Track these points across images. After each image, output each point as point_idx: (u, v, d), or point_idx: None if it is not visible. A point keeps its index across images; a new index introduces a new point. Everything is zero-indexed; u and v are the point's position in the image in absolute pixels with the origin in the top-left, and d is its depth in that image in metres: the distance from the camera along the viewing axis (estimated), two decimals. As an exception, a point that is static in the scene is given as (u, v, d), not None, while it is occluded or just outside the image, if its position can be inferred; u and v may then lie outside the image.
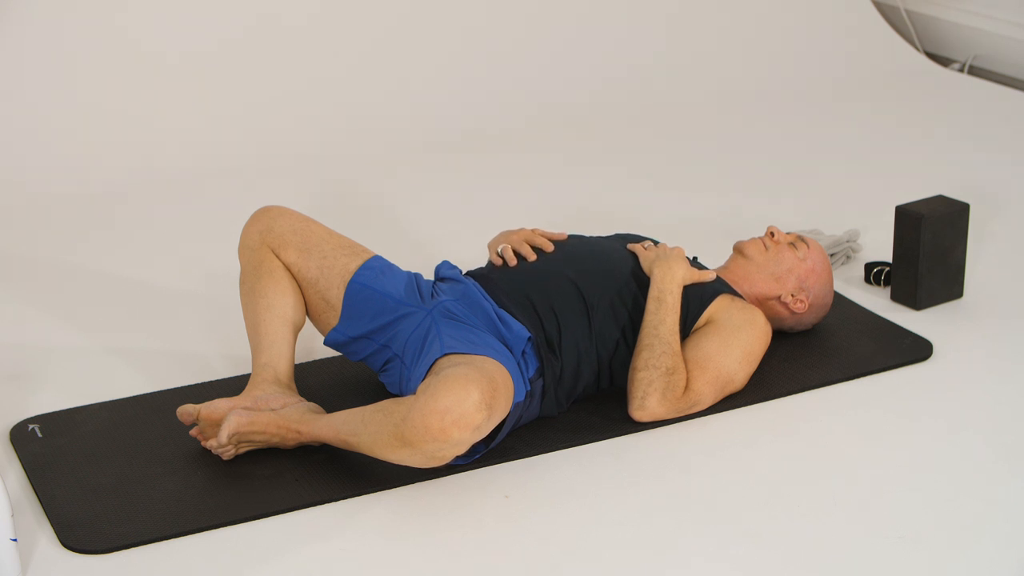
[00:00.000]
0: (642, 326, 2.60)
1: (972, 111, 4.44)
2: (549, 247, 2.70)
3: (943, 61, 4.97)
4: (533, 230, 2.75)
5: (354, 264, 2.65)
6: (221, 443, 2.43)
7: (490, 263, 2.74)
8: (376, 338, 2.60)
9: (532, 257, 2.68)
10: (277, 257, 2.66)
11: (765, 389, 2.69)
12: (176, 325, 3.04)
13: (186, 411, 2.50)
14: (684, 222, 3.50)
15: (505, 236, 2.75)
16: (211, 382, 2.76)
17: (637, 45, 4.66)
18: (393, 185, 3.86)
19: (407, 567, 2.24)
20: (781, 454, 2.52)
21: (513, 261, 2.68)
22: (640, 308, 2.64)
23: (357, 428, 2.38)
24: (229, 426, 2.43)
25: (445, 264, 2.72)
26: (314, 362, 2.83)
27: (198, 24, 4.21)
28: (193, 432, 2.51)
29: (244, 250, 2.69)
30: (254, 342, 2.64)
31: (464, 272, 2.72)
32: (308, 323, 2.85)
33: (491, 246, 2.77)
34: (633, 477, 2.45)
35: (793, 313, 2.81)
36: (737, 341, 2.63)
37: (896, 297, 3.07)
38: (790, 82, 4.66)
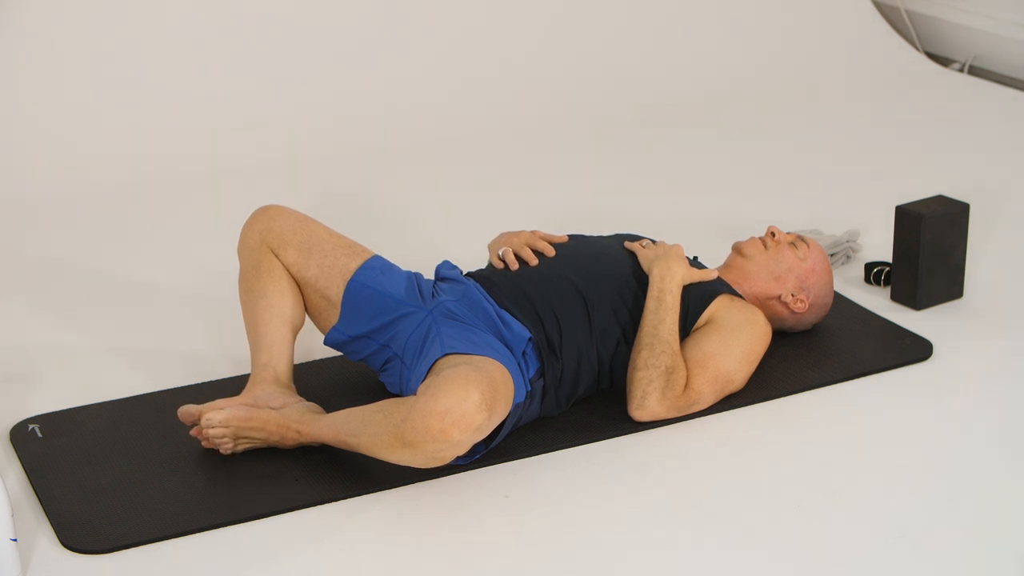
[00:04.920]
0: (641, 325, 2.60)
1: (972, 111, 4.43)
2: (551, 251, 2.69)
3: (943, 61, 4.97)
4: (533, 232, 2.74)
5: (354, 264, 2.65)
6: (208, 424, 2.44)
7: (490, 265, 2.74)
8: (376, 338, 2.60)
9: (534, 261, 2.68)
10: (277, 257, 2.66)
11: (765, 389, 2.69)
12: (176, 325, 3.04)
13: (187, 411, 2.50)
14: (684, 222, 3.50)
15: (506, 238, 2.75)
16: (211, 382, 2.76)
17: (636, 45, 4.66)
18: (393, 185, 3.86)
19: (407, 567, 2.24)
20: (781, 454, 2.52)
21: (514, 265, 2.67)
22: (641, 307, 2.64)
23: (357, 429, 2.38)
24: (221, 414, 2.44)
25: (445, 264, 2.71)
26: (314, 362, 2.83)
27: (198, 23, 4.21)
28: (193, 432, 2.51)
29: (244, 250, 2.69)
30: (253, 342, 2.64)
31: (464, 273, 2.71)
32: (308, 323, 2.85)
33: (492, 247, 2.77)
34: (633, 477, 2.45)
35: (793, 313, 2.81)
36: (737, 341, 2.63)
37: (896, 297, 3.07)
38: (790, 82, 4.66)
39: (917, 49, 5.00)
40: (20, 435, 2.59)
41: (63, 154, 3.90)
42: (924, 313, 3.03)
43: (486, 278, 2.65)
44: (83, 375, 2.83)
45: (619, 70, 4.57)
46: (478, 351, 2.42)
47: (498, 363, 2.39)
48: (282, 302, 2.64)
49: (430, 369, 2.41)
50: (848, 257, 3.28)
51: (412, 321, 2.57)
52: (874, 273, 3.15)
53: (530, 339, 2.53)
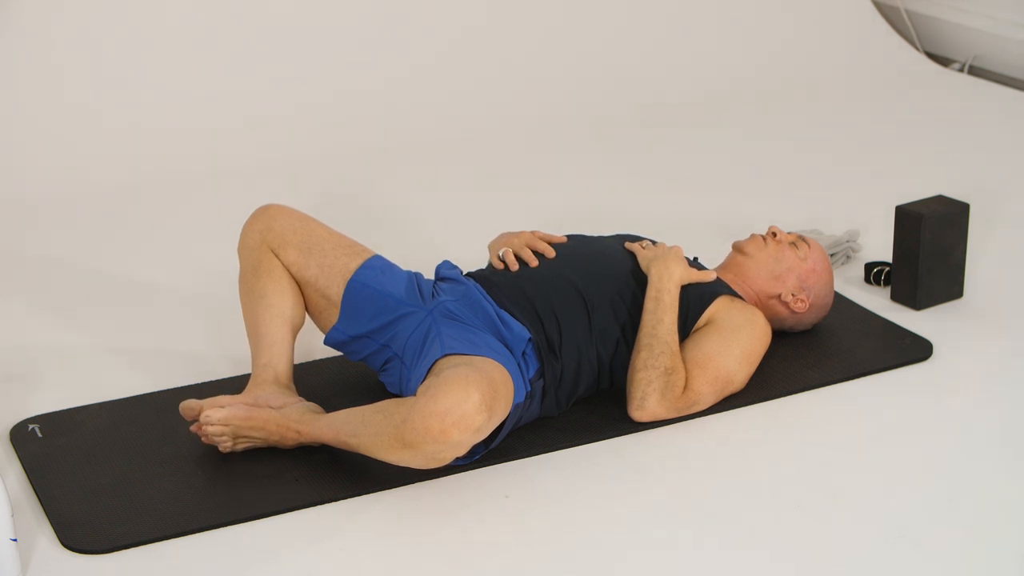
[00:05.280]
0: (640, 326, 2.60)
1: (972, 111, 4.43)
2: (550, 252, 2.69)
3: (943, 61, 4.97)
4: (533, 232, 2.74)
5: (354, 263, 2.65)
6: (207, 421, 2.44)
7: (490, 265, 2.74)
8: (376, 337, 2.60)
9: (534, 262, 2.68)
10: (277, 257, 2.66)
11: (765, 389, 2.69)
12: (176, 325, 3.04)
13: (189, 406, 2.50)
14: (684, 222, 3.50)
15: (506, 239, 2.75)
16: (211, 382, 2.76)
17: (637, 45, 4.66)
18: (393, 185, 3.86)
19: (407, 567, 2.24)
20: (781, 454, 2.52)
21: (515, 266, 2.67)
22: (640, 307, 2.64)
23: (357, 429, 2.38)
24: (221, 412, 2.44)
25: (445, 264, 2.72)
26: (314, 362, 2.83)
27: (198, 23, 4.21)
28: (193, 428, 2.51)
29: (244, 249, 2.69)
30: (253, 342, 2.64)
31: (464, 273, 2.71)
32: (308, 323, 2.85)
33: (492, 248, 2.77)
34: (633, 477, 2.45)
35: (793, 313, 2.81)
36: (737, 341, 2.62)
37: (896, 297, 3.07)
38: (790, 82, 4.66)
39: (917, 49, 5.00)
40: (20, 435, 2.59)
41: (63, 154, 3.90)
42: (924, 313, 3.03)
43: (486, 278, 2.65)
44: (83, 375, 2.83)
45: (619, 70, 4.57)
46: (478, 351, 2.42)
47: (498, 363, 2.39)
48: (282, 302, 2.64)
49: (430, 369, 2.41)
50: (848, 257, 3.28)
51: (412, 321, 2.57)
52: (874, 273, 3.15)
53: (530, 339, 2.53)
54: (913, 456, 2.51)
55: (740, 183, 3.84)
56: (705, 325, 2.66)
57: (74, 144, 3.93)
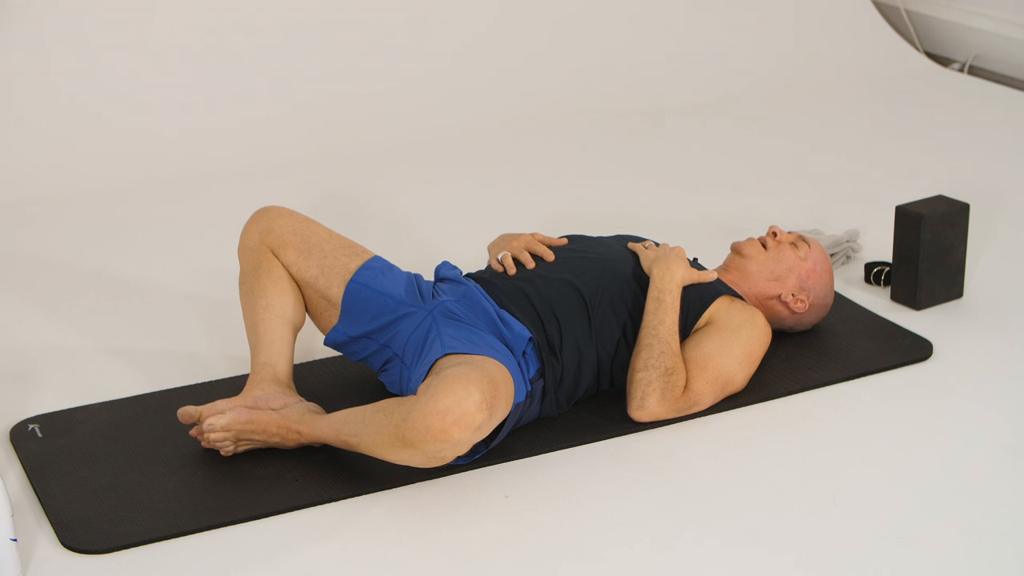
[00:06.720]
0: (641, 326, 2.60)
1: (972, 111, 4.44)
2: (550, 256, 2.69)
3: (943, 61, 4.97)
4: (533, 235, 2.74)
5: (354, 264, 2.65)
6: (209, 429, 2.44)
7: (490, 267, 2.74)
8: (376, 338, 2.60)
9: (531, 265, 2.67)
10: (276, 257, 2.66)
11: (765, 389, 2.69)
12: (176, 325, 3.04)
13: (187, 412, 2.50)
14: (684, 222, 3.50)
15: (506, 241, 2.75)
16: (211, 382, 2.76)
17: (638, 46, 4.66)
18: (393, 185, 3.86)
19: (407, 567, 2.24)
20: (781, 454, 2.52)
21: (512, 269, 2.67)
22: (641, 308, 2.64)
23: (358, 429, 2.38)
24: (223, 419, 2.44)
25: (445, 264, 2.72)
26: (314, 362, 2.83)
27: (197, 23, 4.21)
28: (193, 432, 2.51)
29: (244, 250, 2.69)
30: (253, 342, 2.64)
31: (464, 274, 2.71)
32: (308, 323, 2.85)
33: (491, 250, 2.77)
34: (633, 477, 2.45)
35: (793, 313, 2.81)
36: (737, 341, 2.63)
37: (896, 297, 3.07)
38: (790, 82, 4.66)
39: (917, 49, 5.00)
40: (20, 435, 2.59)
41: (63, 155, 3.91)
42: (924, 313, 3.03)
43: (486, 280, 2.65)
44: (83, 375, 2.83)
45: (620, 72, 4.57)
46: (478, 351, 2.42)
47: (498, 363, 2.39)
48: (282, 302, 2.64)
49: (430, 369, 2.42)
50: (848, 257, 3.28)
51: (412, 321, 2.57)
52: (874, 273, 3.15)
53: (530, 339, 2.54)
54: (913, 456, 2.51)
55: (740, 183, 3.84)
56: (705, 325, 2.66)
57: (74, 144, 3.94)
